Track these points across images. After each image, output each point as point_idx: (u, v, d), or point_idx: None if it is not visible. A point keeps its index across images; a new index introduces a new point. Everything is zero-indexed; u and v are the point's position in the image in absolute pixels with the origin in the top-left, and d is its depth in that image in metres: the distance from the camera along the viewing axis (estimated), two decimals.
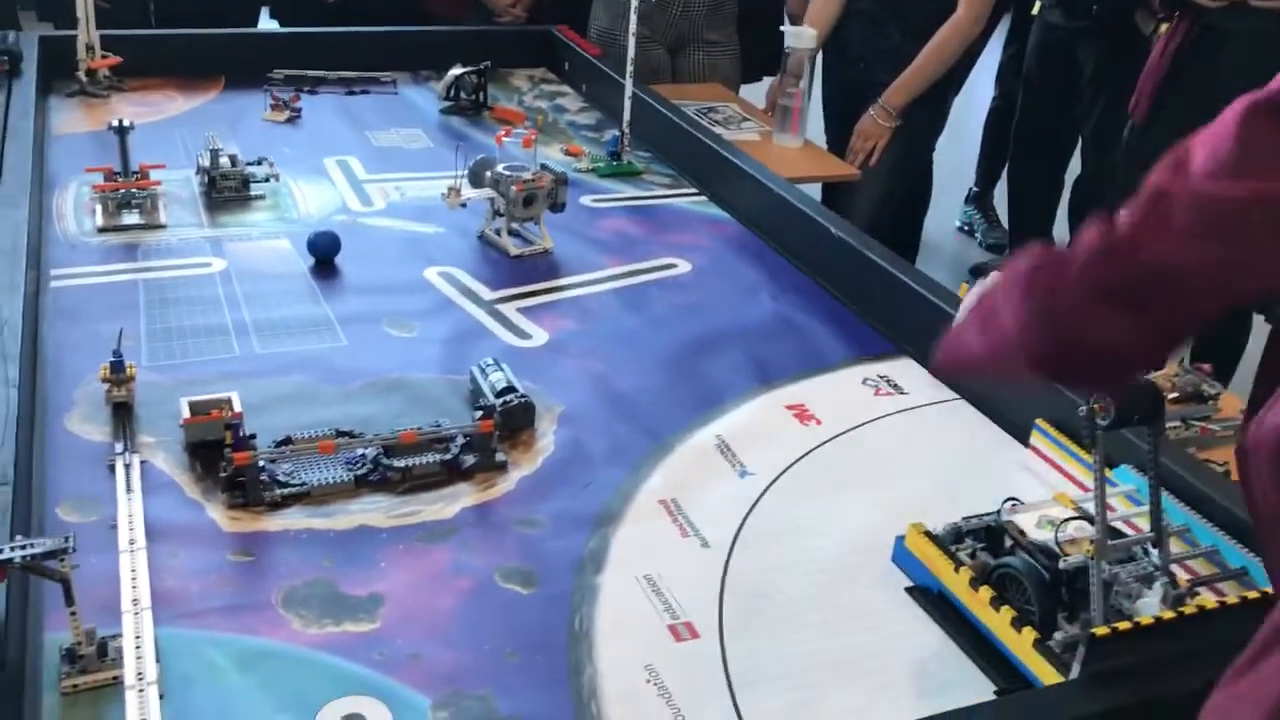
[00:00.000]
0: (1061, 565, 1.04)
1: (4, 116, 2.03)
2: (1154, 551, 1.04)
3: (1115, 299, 0.80)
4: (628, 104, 2.20)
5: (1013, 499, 1.15)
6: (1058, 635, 1.01)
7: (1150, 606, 1.01)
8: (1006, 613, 1.04)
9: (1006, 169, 3.87)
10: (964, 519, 1.15)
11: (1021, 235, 3.81)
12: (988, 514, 1.14)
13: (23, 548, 0.91)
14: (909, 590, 1.14)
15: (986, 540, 1.13)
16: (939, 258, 3.93)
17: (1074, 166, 3.59)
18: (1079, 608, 1.03)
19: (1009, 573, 1.07)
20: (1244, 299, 0.80)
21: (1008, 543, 1.11)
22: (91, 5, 2.30)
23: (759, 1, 3.07)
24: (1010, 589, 1.07)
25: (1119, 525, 1.12)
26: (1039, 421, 1.36)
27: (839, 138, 2.87)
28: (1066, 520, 1.10)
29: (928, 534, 1.14)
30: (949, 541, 1.14)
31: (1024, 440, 1.39)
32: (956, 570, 1.09)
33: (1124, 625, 0.98)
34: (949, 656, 1.06)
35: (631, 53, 2.14)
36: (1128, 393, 0.97)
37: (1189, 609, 1.00)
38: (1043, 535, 1.09)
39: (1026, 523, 1.10)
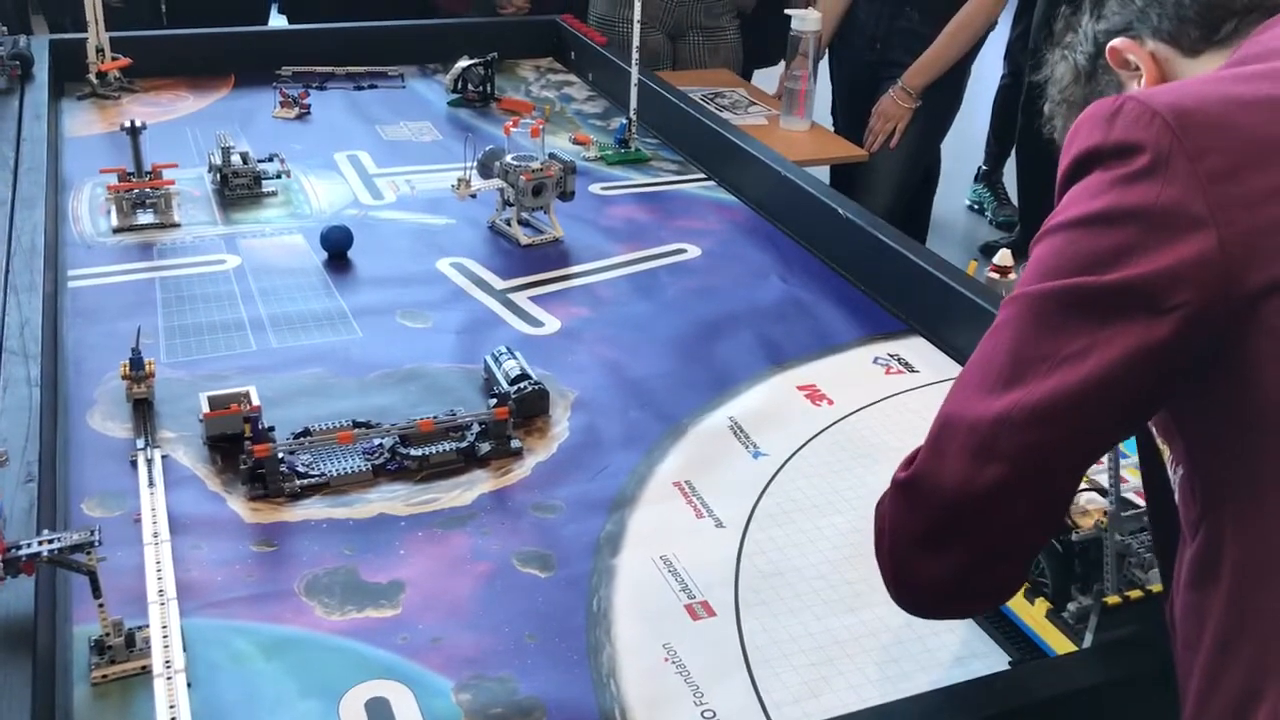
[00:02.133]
0: (1074, 538, 1.05)
1: (18, 120, 2.05)
2: None
3: (922, 542, 0.78)
4: (634, 91, 2.21)
5: None
6: (1071, 606, 1.02)
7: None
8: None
9: (1015, 147, 3.86)
10: None
11: (1031, 212, 3.81)
12: None
13: (50, 542, 0.93)
14: None
15: None
16: (949, 237, 3.93)
17: None
18: (1092, 579, 1.04)
19: None
20: (1049, 514, 0.77)
21: None
22: (101, 9, 2.32)
23: None
24: None
25: (1131, 496, 1.12)
26: None
27: (850, 120, 2.87)
28: (1079, 492, 1.10)
29: None
30: None
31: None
32: None
33: (1136, 594, 0.99)
34: (963, 629, 1.07)
35: (636, 40, 2.15)
36: None
37: None
38: None
39: None
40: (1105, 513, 1.01)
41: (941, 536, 0.77)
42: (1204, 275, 0.67)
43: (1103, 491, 1.07)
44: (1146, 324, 0.68)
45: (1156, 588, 1.00)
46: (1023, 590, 1.04)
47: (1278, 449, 0.69)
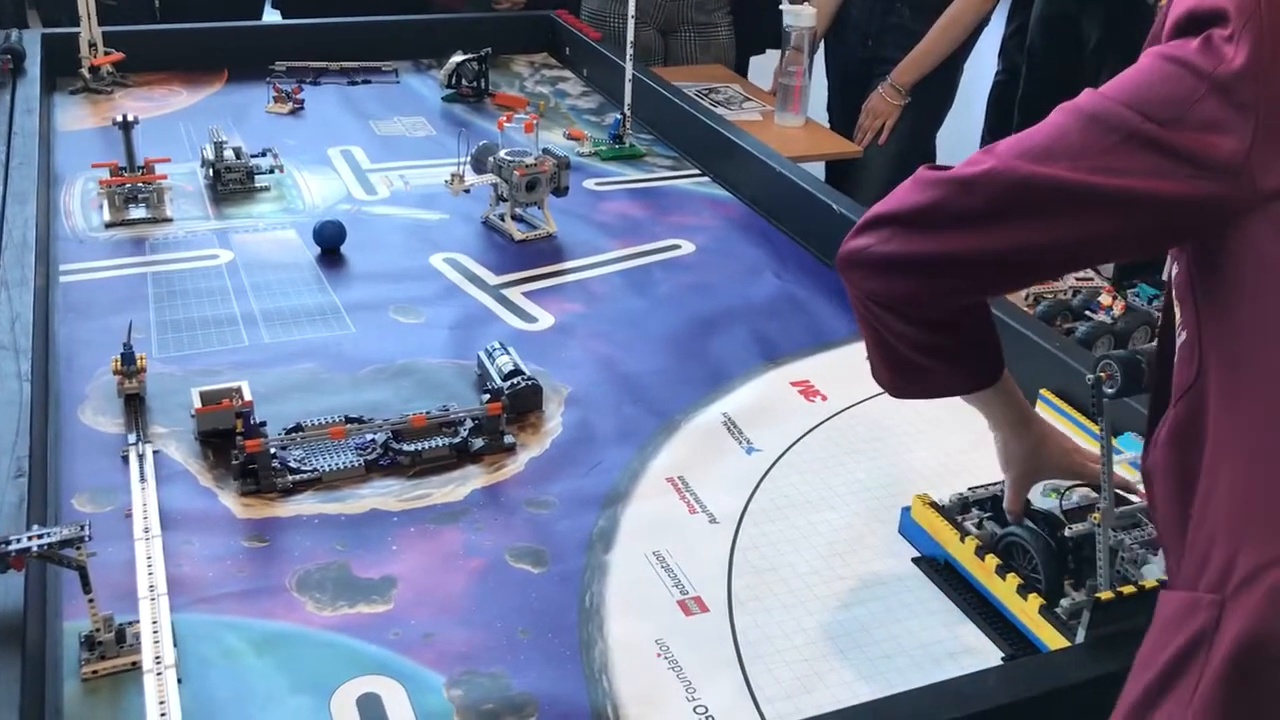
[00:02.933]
0: (1067, 533, 1.05)
1: (9, 115, 2.04)
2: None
3: (895, 220, 0.86)
4: (628, 87, 2.20)
5: None
6: (1064, 601, 1.02)
7: (1155, 572, 1.02)
8: (1012, 580, 1.05)
9: None
10: (970, 489, 1.16)
11: None
12: (994, 484, 1.15)
13: (40, 537, 0.92)
14: (916, 561, 1.15)
15: (992, 510, 1.14)
16: None
17: None
18: (1085, 574, 1.04)
19: (1015, 542, 1.08)
20: (990, 276, 0.86)
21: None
22: (94, 3, 2.31)
23: None
24: (1017, 558, 1.08)
25: (1124, 493, 1.12)
26: (1043, 392, 1.37)
27: (844, 116, 2.86)
28: (1071, 488, 1.11)
29: (933, 504, 1.15)
30: (955, 512, 1.15)
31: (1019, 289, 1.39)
32: (962, 540, 1.10)
33: (1129, 590, 0.99)
34: (956, 625, 1.07)
35: (631, 35, 2.14)
36: (1134, 361, 0.97)
37: None
38: (1048, 504, 1.10)
39: (1032, 492, 1.11)
40: (1098, 509, 1.01)
41: (908, 221, 0.85)
42: (1231, 167, 0.72)
43: (1096, 488, 1.07)
44: (1173, 174, 0.74)
45: (1150, 583, 1.00)
46: (1016, 586, 1.04)
47: (1267, 341, 0.73)
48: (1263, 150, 0.71)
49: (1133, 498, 1.11)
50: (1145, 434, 0.89)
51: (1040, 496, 1.11)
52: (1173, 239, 0.81)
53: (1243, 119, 0.71)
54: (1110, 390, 0.95)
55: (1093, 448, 1.25)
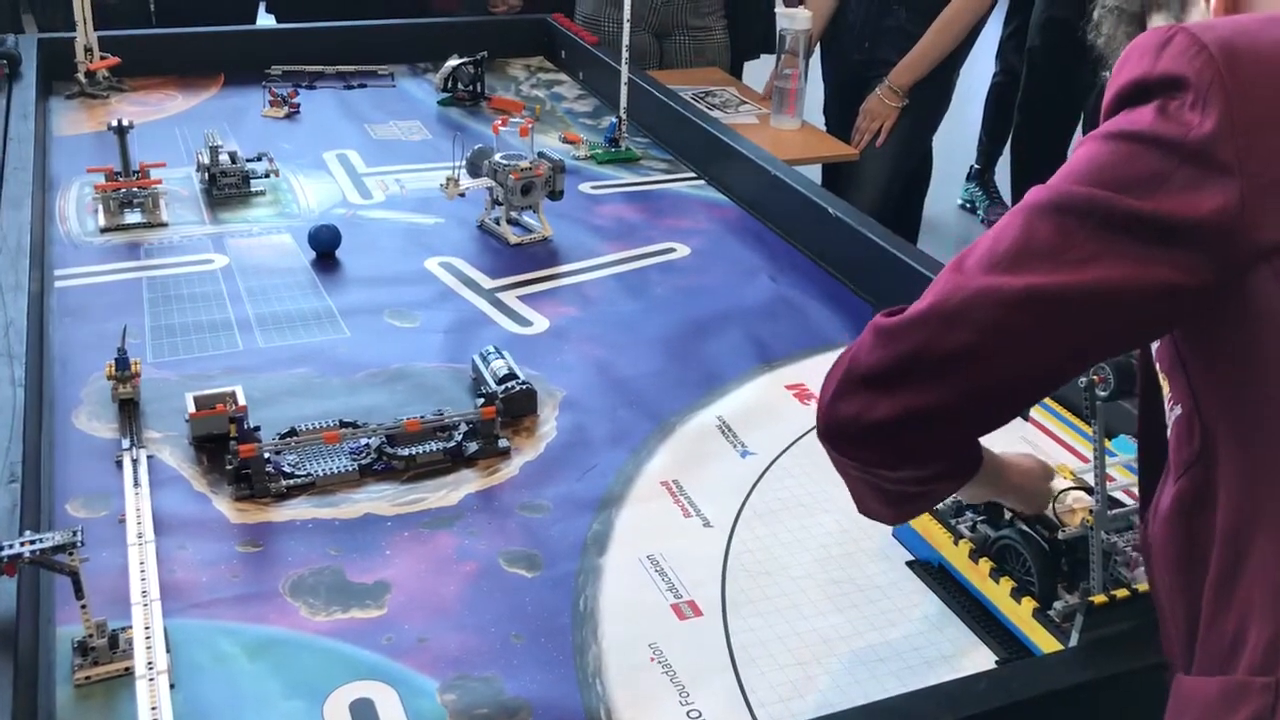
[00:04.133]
0: (1060, 536, 1.05)
1: (4, 119, 2.04)
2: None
3: (871, 378, 0.77)
4: (624, 90, 2.20)
5: None
6: (1057, 605, 1.02)
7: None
8: (1006, 584, 1.05)
9: (1009, 145, 3.86)
10: (965, 497, 1.16)
11: None
12: None
13: (32, 543, 0.92)
14: (910, 564, 1.15)
15: (986, 513, 1.14)
16: (941, 236, 3.92)
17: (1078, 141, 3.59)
18: (1078, 577, 1.04)
19: (1009, 544, 1.08)
20: (998, 405, 0.77)
21: (1007, 515, 1.11)
22: (89, 8, 2.31)
23: None
24: (1010, 560, 1.08)
25: (1118, 495, 1.12)
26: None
27: (840, 119, 2.87)
28: (1065, 491, 1.10)
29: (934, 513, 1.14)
30: (949, 515, 1.15)
31: (1024, 414, 1.39)
32: (956, 544, 1.10)
33: (1122, 593, 0.99)
34: (950, 628, 1.07)
35: (627, 39, 2.15)
36: (1127, 366, 0.97)
37: None
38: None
39: None
40: (1091, 511, 1.01)
41: (890, 379, 0.76)
42: (1222, 226, 0.67)
43: (1089, 490, 1.07)
44: (1159, 256, 0.69)
45: (1143, 586, 1.00)
46: (1009, 589, 1.04)
47: (1278, 402, 0.69)
48: (1255, 204, 0.67)
49: (1126, 500, 1.11)
50: (1140, 503, 0.87)
51: None
52: (1180, 315, 0.72)
53: (1226, 179, 0.67)
54: (1103, 393, 0.96)
55: (1087, 450, 1.25)
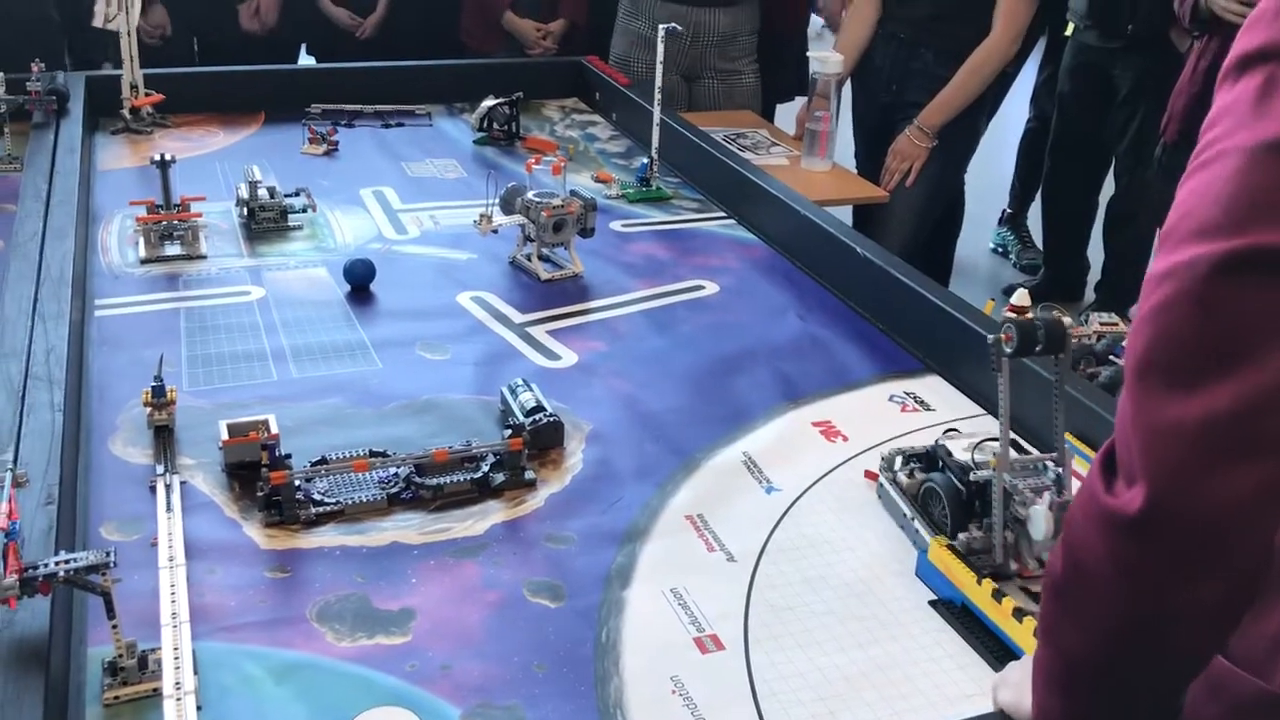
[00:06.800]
0: (972, 478, 1.18)
1: (52, 154, 2.09)
2: (1053, 467, 1.15)
3: (1176, 581, 0.66)
4: (656, 130, 2.23)
5: (952, 429, 1.35)
6: (961, 536, 1.15)
7: (1039, 514, 1.10)
8: (1029, 623, 1.04)
9: (1041, 190, 3.87)
10: (908, 447, 1.31)
11: (1056, 256, 3.80)
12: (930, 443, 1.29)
13: (66, 563, 0.94)
14: (932, 603, 1.15)
15: (923, 462, 1.27)
16: (973, 279, 3.92)
17: (1109, 187, 3.58)
18: (986, 515, 1.16)
19: (932, 488, 1.22)
20: None
21: (939, 464, 1.24)
22: (136, 47, 2.37)
23: (789, 21, 3.10)
24: (933, 501, 1.22)
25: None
26: (1067, 436, 1.37)
27: (869, 160, 2.89)
28: (984, 441, 1.22)
29: (950, 547, 1.15)
30: (891, 464, 1.29)
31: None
32: (979, 583, 1.10)
33: None
34: (972, 668, 1.07)
35: (659, 81, 2.18)
36: (1032, 324, 1.11)
37: None
38: (966, 457, 1.22)
39: (956, 448, 1.24)
40: (995, 455, 1.13)
41: (1199, 569, 0.64)
42: None
43: (1021, 449, 1.18)
44: None
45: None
46: (1033, 629, 1.04)
47: None
48: None
49: (1030, 449, 1.21)
50: None
51: (961, 451, 1.23)
52: None
53: None
54: (1009, 350, 1.11)
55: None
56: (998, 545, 1.13)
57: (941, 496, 1.20)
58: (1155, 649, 0.71)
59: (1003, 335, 1.10)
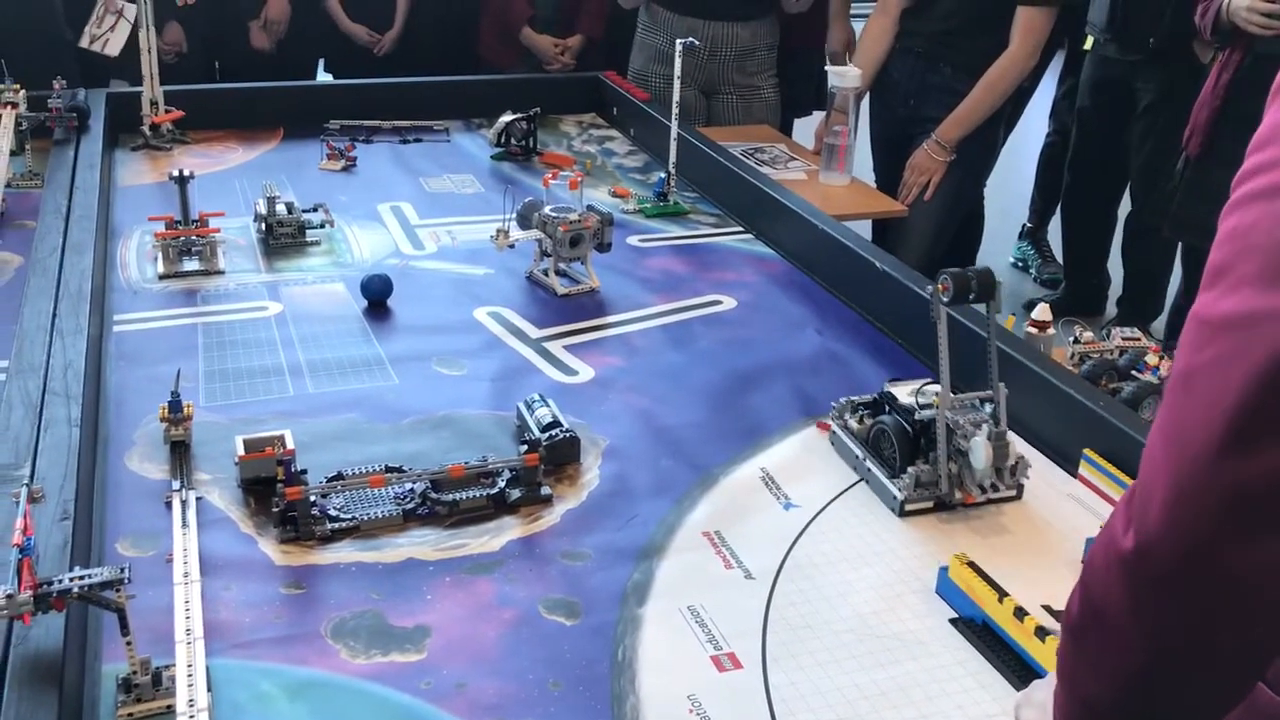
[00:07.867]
0: (917, 417, 1.30)
1: (72, 170, 2.10)
2: (988, 406, 1.29)
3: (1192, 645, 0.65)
4: (673, 145, 2.23)
5: (895, 377, 1.44)
6: (910, 469, 1.27)
7: (979, 444, 1.23)
8: (1051, 642, 1.03)
9: (1060, 204, 3.84)
10: (857, 396, 1.43)
11: (1077, 270, 3.78)
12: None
13: (80, 578, 0.94)
14: (952, 621, 1.13)
15: (872, 409, 1.39)
16: None
17: (1127, 201, 3.56)
18: (929, 450, 1.28)
19: (881, 428, 1.33)
20: None
21: (885, 408, 1.36)
22: (156, 64, 2.39)
23: (809, 35, 3.10)
24: (884, 442, 1.32)
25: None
26: (1087, 451, 1.35)
27: (888, 175, 2.88)
28: (924, 385, 1.34)
29: (970, 565, 1.13)
30: (842, 412, 1.40)
31: (1072, 470, 1.38)
32: (1000, 601, 1.09)
33: None
34: (994, 687, 1.05)
35: (677, 96, 2.17)
36: (965, 277, 1.25)
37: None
38: (910, 400, 1.33)
39: (900, 393, 1.35)
40: (937, 395, 1.25)
41: (1223, 622, 0.63)
42: None
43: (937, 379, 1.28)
44: None
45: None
46: (1053, 648, 1.02)
47: None
48: None
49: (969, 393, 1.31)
50: None
51: (906, 396, 1.34)
52: None
53: None
54: (945, 299, 1.25)
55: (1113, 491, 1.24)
56: (943, 476, 1.27)
57: (891, 436, 1.31)
58: (1174, 695, 0.69)
59: (939, 285, 1.24)
